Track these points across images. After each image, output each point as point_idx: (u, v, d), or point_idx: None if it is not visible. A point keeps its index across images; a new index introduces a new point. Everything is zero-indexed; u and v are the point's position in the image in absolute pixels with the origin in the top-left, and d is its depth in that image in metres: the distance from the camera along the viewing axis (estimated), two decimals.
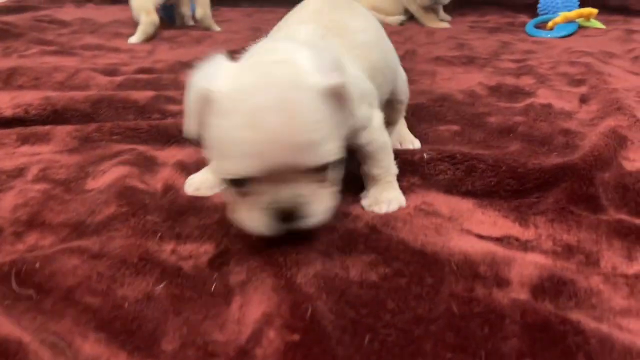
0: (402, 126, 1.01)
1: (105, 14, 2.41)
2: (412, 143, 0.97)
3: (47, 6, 2.63)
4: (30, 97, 1.14)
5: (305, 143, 0.58)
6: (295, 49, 0.65)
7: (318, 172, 0.62)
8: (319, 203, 0.63)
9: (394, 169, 0.81)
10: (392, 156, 0.81)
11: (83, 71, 1.36)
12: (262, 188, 0.61)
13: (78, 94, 1.17)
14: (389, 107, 0.97)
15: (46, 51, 1.70)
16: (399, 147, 0.97)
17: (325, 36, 0.77)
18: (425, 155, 0.88)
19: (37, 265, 0.62)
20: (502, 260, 0.66)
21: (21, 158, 0.94)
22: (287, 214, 0.62)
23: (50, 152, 0.98)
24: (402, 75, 1.00)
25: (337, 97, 0.61)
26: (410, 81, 1.37)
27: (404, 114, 1.02)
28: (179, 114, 1.08)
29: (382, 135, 0.78)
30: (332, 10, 0.85)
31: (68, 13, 2.46)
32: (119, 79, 1.35)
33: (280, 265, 0.64)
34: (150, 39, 1.98)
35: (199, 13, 2.14)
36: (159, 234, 0.71)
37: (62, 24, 2.19)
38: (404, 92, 0.99)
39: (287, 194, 0.61)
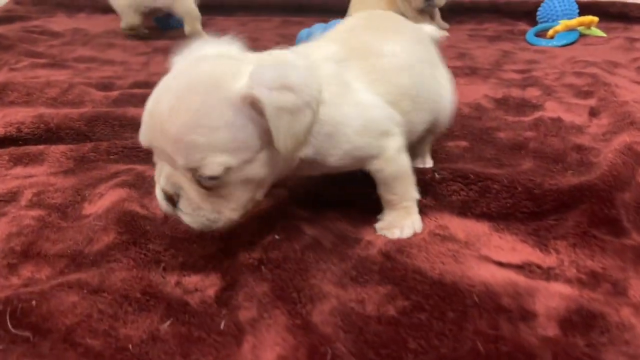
0: (426, 145, 0.95)
1: (97, 24, 2.36)
2: (424, 162, 0.94)
3: (37, 16, 2.57)
4: (23, 115, 1.10)
5: (178, 139, 0.57)
6: (261, 58, 0.66)
7: (203, 177, 0.59)
8: (199, 207, 0.60)
9: (412, 195, 0.77)
10: (410, 182, 0.76)
11: (77, 86, 1.32)
12: (157, 163, 0.63)
13: (72, 112, 1.13)
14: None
15: (38, 64, 1.65)
16: None
17: (346, 59, 0.73)
18: (436, 174, 0.85)
19: (34, 302, 0.59)
20: (526, 291, 0.62)
21: (14, 181, 0.90)
22: (168, 197, 0.61)
23: (44, 173, 0.93)
24: (447, 106, 0.87)
25: (255, 111, 0.58)
26: None
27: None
28: None
29: (396, 164, 0.73)
30: (366, 30, 0.81)
31: (59, 23, 2.41)
32: (114, 93, 1.31)
33: (294, 300, 0.60)
34: (142, 38, 2.02)
35: (187, 30, 2.04)
36: (162, 265, 0.67)
37: (54, 34, 2.14)
38: (444, 124, 0.89)
39: (164, 176, 0.60)
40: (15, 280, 0.66)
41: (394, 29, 0.83)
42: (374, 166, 0.72)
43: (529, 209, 0.79)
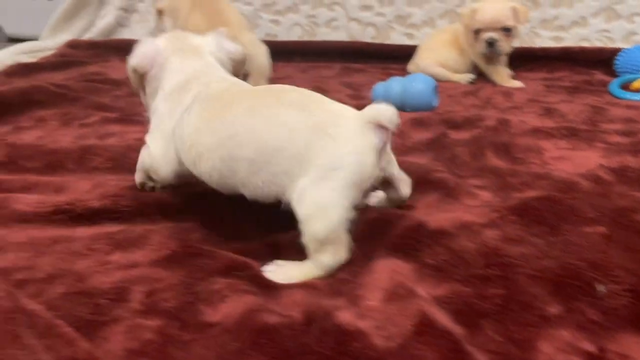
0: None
1: None
2: None
3: (92, 61, 2.54)
4: (115, 185, 1.03)
5: None
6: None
7: None
8: None
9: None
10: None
11: None
12: None
13: None
14: None
15: (108, 118, 1.60)
16: None
17: (210, 97, 0.94)
18: (597, 288, 0.75)
19: None
20: None
21: (117, 272, 0.82)
22: None
23: (147, 262, 0.85)
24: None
25: None
26: (519, 160, 1.25)
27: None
28: None
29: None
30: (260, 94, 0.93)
31: (116, 69, 2.37)
32: None
33: None
34: None
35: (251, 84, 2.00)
36: None
37: (115, 83, 2.09)
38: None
39: None
40: None
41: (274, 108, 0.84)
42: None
43: None
